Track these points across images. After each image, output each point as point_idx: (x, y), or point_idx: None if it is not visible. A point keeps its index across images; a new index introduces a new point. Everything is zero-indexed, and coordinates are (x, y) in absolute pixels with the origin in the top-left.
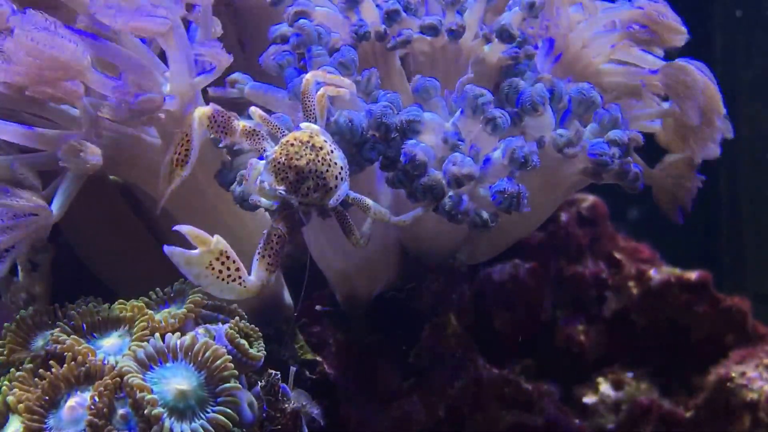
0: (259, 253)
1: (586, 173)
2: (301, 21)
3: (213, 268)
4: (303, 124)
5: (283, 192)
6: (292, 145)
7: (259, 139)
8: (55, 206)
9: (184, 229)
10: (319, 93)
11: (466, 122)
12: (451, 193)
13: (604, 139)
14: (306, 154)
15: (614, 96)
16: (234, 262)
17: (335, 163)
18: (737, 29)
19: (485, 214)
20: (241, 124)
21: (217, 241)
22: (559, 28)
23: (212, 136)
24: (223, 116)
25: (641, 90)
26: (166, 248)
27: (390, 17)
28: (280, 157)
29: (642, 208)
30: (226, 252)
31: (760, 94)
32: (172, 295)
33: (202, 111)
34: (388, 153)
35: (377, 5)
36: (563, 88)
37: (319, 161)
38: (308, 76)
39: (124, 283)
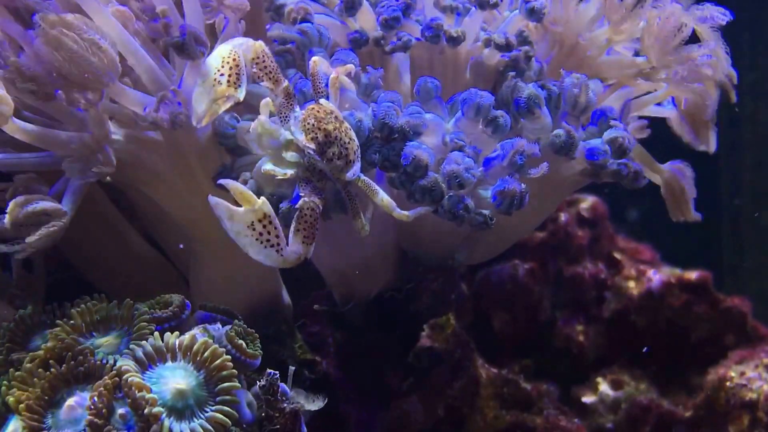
0: (294, 227)
1: (585, 174)
2: (303, 21)
3: (254, 229)
4: (322, 101)
5: (312, 150)
6: (318, 111)
7: (292, 104)
8: (65, 209)
9: (230, 183)
10: (332, 76)
11: (466, 124)
12: (451, 192)
13: (602, 140)
14: (332, 121)
15: (614, 84)
16: (276, 228)
17: (353, 139)
18: (741, 31)
19: (485, 213)
20: (287, 83)
21: (264, 202)
22: (555, 25)
23: (254, 71)
24: (273, 62)
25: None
26: (211, 198)
27: (389, 25)
28: (310, 119)
29: (642, 209)
30: (269, 216)
31: (763, 96)
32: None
33: (253, 42)
34: (389, 155)
35: (377, 5)
36: (561, 89)
37: (342, 131)
38: (315, 58)
39: (114, 284)
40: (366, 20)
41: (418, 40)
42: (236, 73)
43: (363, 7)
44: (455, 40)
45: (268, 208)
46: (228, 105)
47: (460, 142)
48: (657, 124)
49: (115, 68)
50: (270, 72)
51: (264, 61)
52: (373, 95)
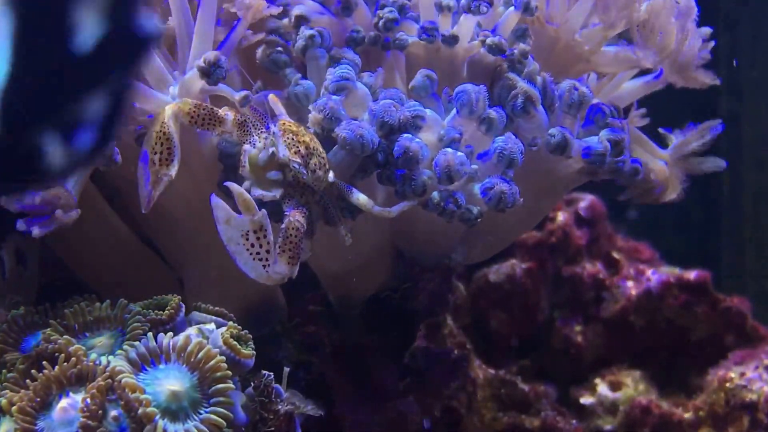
0: (279, 247)
1: (582, 172)
2: (302, 24)
3: (247, 239)
4: (281, 117)
5: (297, 164)
6: (290, 125)
7: (249, 130)
8: None
9: (235, 188)
10: (270, 96)
11: (461, 122)
12: (441, 187)
13: (599, 138)
14: (305, 133)
15: (610, 76)
16: (268, 243)
17: (323, 149)
18: (743, 28)
19: (475, 209)
20: (232, 113)
21: (263, 215)
22: (551, 23)
23: (199, 130)
24: (204, 109)
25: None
26: (213, 198)
27: (387, 27)
28: (287, 134)
29: (641, 208)
30: (265, 229)
31: (765, 94)
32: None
33: (176, 107)
34: (389, 151)
35: (374, 5)
36: (555, 88)
37: (315, 142)
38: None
39: (107, 283)
40: (362, 19)
41: (415, 39)
42: (167, 149)
43: (359, 7)
44: (451, 40)
45: (267, 222)
46: (164, 185)
47: (454, 138)
48: (657, 117)
49: None
50: (210, 119)
51: (199, 115)
52: (376, 93)
